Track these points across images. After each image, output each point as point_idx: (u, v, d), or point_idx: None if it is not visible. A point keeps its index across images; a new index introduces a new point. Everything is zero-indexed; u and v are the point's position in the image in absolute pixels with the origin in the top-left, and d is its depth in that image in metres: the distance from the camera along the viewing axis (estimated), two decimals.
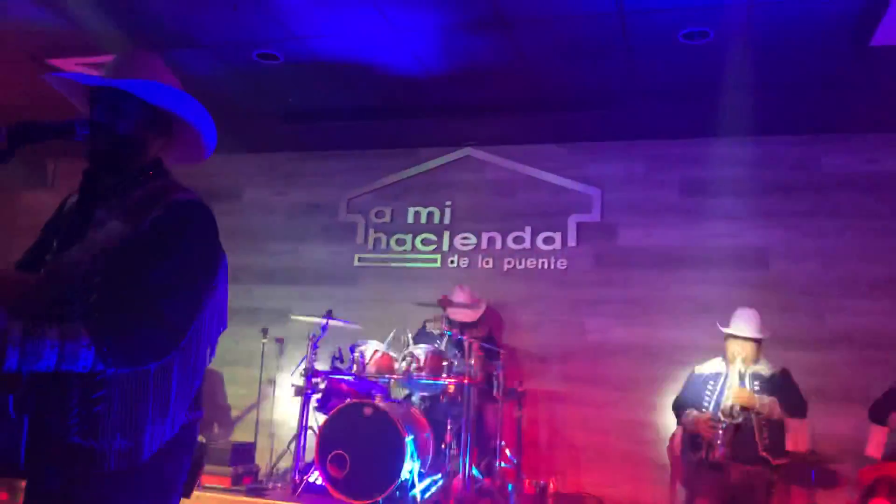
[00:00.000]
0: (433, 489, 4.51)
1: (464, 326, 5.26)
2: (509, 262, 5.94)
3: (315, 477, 4.49)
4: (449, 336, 5.11)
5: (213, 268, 1.73)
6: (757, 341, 4.35)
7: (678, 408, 4.44)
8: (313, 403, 4.88)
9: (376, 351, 4.85)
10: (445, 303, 5.14)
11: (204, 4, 4.08)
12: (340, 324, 5.09)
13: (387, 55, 4.66)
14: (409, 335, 5.14)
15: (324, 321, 5.02)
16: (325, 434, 4.41)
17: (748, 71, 4.54)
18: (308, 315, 5.21)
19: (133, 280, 1.57)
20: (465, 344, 4.84)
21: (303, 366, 4.94)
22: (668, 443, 4.62)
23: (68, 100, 1.88)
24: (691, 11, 3.92)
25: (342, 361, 4.91)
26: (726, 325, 4.46)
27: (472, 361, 4.76)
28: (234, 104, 5.47)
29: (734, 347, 4.33)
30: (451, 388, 4.86)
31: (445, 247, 6.11)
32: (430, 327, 5.44)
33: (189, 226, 1.68)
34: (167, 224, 1.65)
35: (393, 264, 6.22)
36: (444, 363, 4.77)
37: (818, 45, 4.20)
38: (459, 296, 5.29)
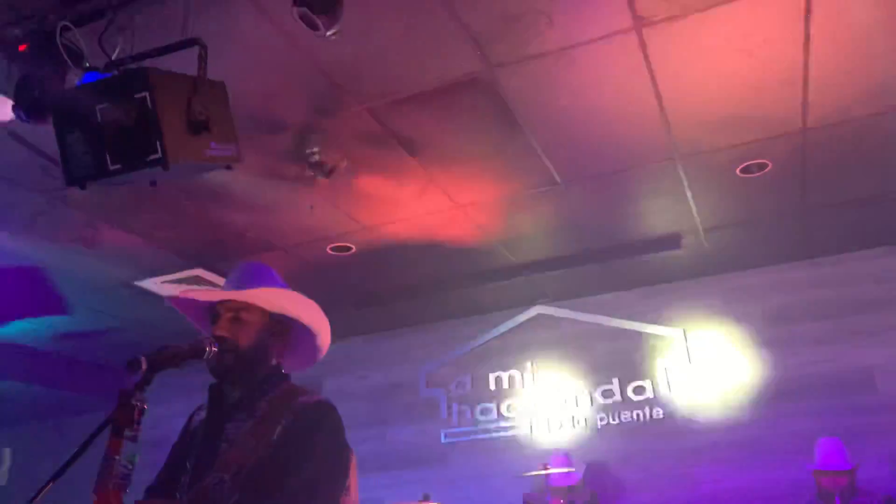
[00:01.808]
0: None
1: (567, 493, 4.98)
2: (602, 419, 5.72)
3: None
4: None
5: (346, 468, 1.71)
6: (849, 473, 4.08)
7: None
8: None
9: None
10: (544, 471, 4.91)
11: (282, 213, 4.36)
12: None
13: (451, 230, 4.81)
14: None
15: None
16: None
17: (812, 192, 4.55)
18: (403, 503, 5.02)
19: (270, 496, 1.55)
20: None
21: None
22: None
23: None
24: (745, 146, 4.00)
25: None
26: (812, 461, 4.24)
27: None
28: (308, 297, 5.63)
29: (826, 483, 4.08)
30: None
31: (533, 410, 5.94)
32: (531, 501, 5.16)
33: (319, 431, 1.68)
34: (296, 432, 1.65)
35: (481, 436, 6.04)
36: None
37: (877, 158, 4.21)
38: (557, 461, 5.06)
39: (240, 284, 1.83)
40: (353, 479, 1.75)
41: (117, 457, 1.30)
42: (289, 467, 1.57)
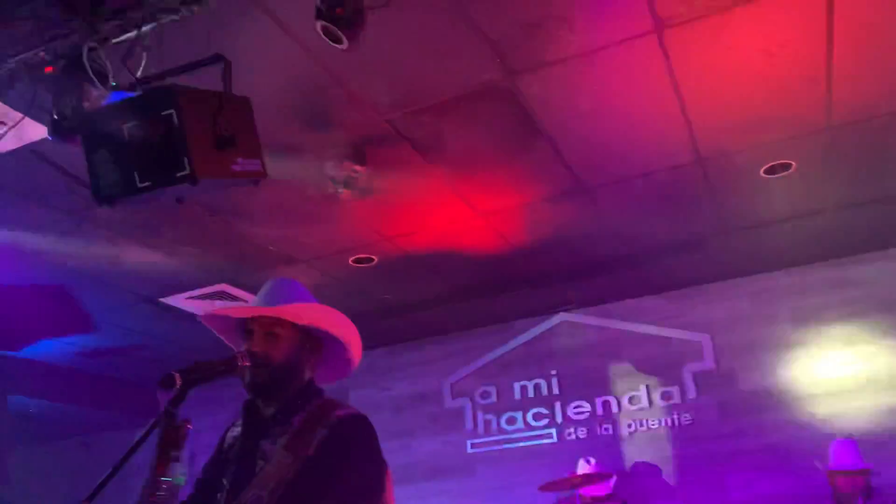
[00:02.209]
0: None
1: (597, 502, 4.93)
2: (630, 426, 5.66)
3: None
4: None
5: (381, 482, 1.70)
6: (865, 472, 4.03)
7: None
8: None
9: None
10: (573, 480, 4.86)
11: (304, 226, 4.36)
12: None
13: (472, 238, 4.80)
14: None
15: None
16: None
17: (838, 191, 4.48)
18: None
19: None
20: None
21: None
22: None
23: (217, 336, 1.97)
24: (769, 146, 3.95)
25: None
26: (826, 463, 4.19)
27: None
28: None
29: (842, 483, 4.04)
30: None
31: (559, 419, 5.90)
32: None
33: (354, 445, 1.67)
34: (332, 447, 1.64)
35: (507, 445, 6.00)
36: None
37: None
38: (586, 469, 5.01)
39: (271, 300, 1.83)
40: (390, 494, 1.73)
41: (163, 477, 1.30)
42: (326, 483, 1.57)
